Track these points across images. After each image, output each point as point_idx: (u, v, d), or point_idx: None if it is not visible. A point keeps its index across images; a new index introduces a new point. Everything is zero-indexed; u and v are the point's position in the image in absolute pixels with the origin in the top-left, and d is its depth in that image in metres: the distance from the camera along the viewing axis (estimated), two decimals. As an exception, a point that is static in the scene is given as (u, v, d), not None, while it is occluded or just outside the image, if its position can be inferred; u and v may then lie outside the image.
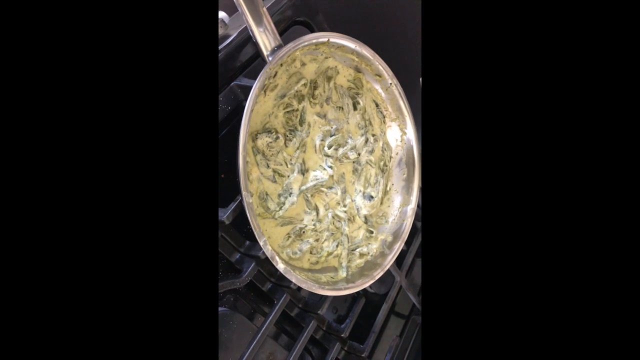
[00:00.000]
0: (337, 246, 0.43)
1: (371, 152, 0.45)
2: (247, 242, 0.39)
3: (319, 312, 0.43)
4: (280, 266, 0.36)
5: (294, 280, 0.37)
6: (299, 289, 0.42)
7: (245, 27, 0.37)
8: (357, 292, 0.46)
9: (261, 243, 0.35)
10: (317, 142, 0.42)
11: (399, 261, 0.51)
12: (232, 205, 0.36)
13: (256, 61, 0.40)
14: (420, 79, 0.56)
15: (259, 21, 0.35)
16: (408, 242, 0.53)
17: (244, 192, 0.34)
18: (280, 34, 0.40)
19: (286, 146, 0.39)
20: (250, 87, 0.35)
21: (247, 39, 0.40)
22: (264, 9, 0.36)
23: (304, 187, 0.41)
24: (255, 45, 0.36)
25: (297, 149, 0.40)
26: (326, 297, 0.43)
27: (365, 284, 0.42)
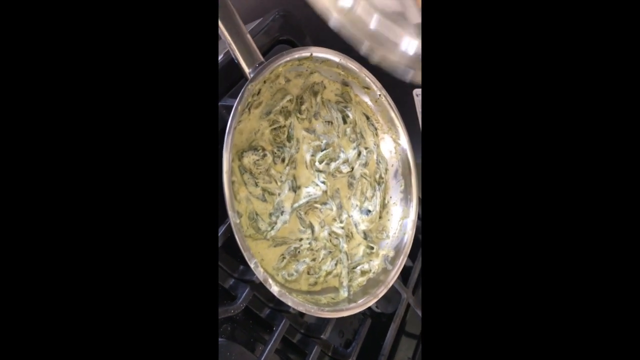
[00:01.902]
0: (336, 265, 0.41)
1: (365, 165, 0.44)
2: (241, 267, 0.37)
3: (322, 336, 0.41)
4: (275, 289, 0.34)
5: (290, 304, 0.35)
6: (301, 313, 0.40)
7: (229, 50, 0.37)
8: (363, 313, 0.44)
9: (252, 265, 0.33)
10: (308, 158, 0.41)
11: (405, 277, 0.49)
12: (222, 228, 0.35)
13: (240, 81, 0.40)
14: (414, 91, 0.55)
15: (237, 39, 0.35)
16: (413, 257, 0.51)
17: (230, 213, 0.32)
18: (265, 53, 0.40)
19: (275, 163, 0.38)
20: (234, 106, 0.34)
21: (230, 60, 0.39)
22: (244, 27, 0.36)
23: (296, 205, 0.39)
24: (237, 63, 0.36)
25: (287, 165, 0.39)
26: (329, 320, 0.41)
27: (368, 303, 0.40)
